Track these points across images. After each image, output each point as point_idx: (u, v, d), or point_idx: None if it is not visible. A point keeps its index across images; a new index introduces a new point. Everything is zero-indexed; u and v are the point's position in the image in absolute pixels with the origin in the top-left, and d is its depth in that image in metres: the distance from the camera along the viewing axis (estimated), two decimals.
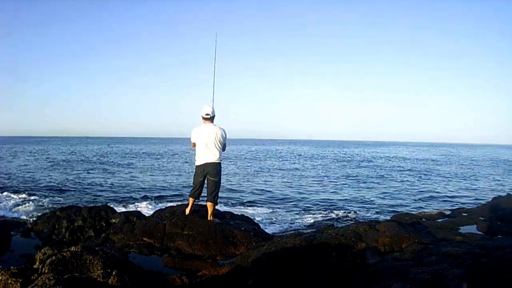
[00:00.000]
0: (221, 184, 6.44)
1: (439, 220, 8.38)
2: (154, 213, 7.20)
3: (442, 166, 34.82)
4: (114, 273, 2.94)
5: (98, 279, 2.88)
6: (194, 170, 6.30)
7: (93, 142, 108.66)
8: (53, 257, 3.14)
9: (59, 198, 14.47)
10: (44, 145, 75.46)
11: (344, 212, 12.54)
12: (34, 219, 8.13)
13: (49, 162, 32.76)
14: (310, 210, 13.07)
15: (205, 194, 6.26)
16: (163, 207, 7.84)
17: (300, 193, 17.28)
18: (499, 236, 6.57)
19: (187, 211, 6.41)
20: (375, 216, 12.21)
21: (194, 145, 6.17)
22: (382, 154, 59.23)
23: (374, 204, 14.93)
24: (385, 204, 14.87)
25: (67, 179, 20.74)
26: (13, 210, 11.40)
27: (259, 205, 13.88)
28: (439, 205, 14.47)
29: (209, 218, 6.18)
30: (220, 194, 6.40)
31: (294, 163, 37.40)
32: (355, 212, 12.84)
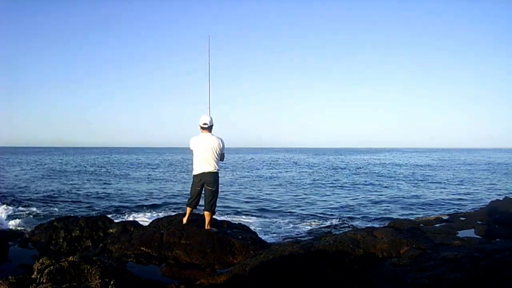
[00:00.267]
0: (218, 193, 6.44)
1: (437, 225, 8.41)
2: (151, 222, 7.19)
3: (438, 171, 34.91)
4: (112, 282, 2.93)
5: None
6: (192, 180, 6.30)
7: (89, 152, 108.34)
8: (51, 267, 3.13)
9: (55, 208, 14.37)
10: (40, 155, 75.16)
11: (341, 219, 12.50)
12: (31, 229, 8.08)
13: (45, 172, 32.61)
14: (307, 218, 13.04)
15: (203, 203, 6.26)
16: (160, 217, 7.82)
17: (297, 201, 17.25)
18: (497, 240, 6.60)
19: (184, 220, 6.40)
20: (372, 222, 12.19)
21: None
22: (378, 160, 59.36)
23: (371, 210, 14.92)
24: (382, 211, 14.86)
25: (63, 189, 20.63)
26: (9, 220, 11.30)
27: (256, 213, 13.84)
28: (437, 210, 14.48)
29: (206, 227, 6.17)
30: (217, 203, 6.39)
31: (290, 171, 37.39)
32: (352, 219, 12.82)
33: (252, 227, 8.31)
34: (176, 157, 73.31)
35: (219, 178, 6.29)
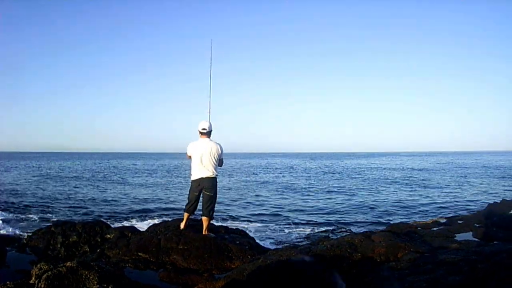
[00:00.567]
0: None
1: (435, 229, 8.44)
2: (148, 228, 7.17)
3: (435, 175, 34.98)
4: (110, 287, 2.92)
5: None
6: (190, 185, 6.29)
7: (85, 157, 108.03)
8: (49, 272, 3.12)
9: (52, 214, 14.32)
10: (37, 160, 74.92)
11: (339, 224, 12.52)
12: (29, 234, 8.05)
13: (43, 177, 32.51)
14: (305, 222, 13.04)
15: (201, 208, 6.24)
16: (158, 222, 7.81)
17: (294, 205, 17.26)
18: (495, 242, 6.61)
19: (182, 225, 6.38)
20: (370, 226, 12.20)
21: (190, 157, 6.17)
22: (375, 165, 59.46)
23: (369, 214, 14.94)
24: (379, 215, 14.88)
25: (60, 194, 20.58)
26: (7, 225, 11.24)
27: (253, 219, 13.83)
28: (434, 214, 14.50)
29: (204, 233, 6.15)
30: (215, 209, 6.37)
31: (287, 175, 37.42)
32: (349, 223, 12.83)
33: (249, 232, 8.30)
34: (173, 162, 73.23)
35: (217, 183, 6.28)
